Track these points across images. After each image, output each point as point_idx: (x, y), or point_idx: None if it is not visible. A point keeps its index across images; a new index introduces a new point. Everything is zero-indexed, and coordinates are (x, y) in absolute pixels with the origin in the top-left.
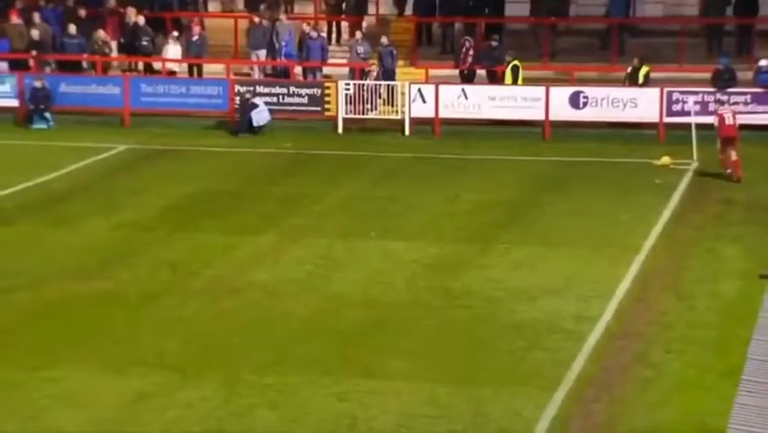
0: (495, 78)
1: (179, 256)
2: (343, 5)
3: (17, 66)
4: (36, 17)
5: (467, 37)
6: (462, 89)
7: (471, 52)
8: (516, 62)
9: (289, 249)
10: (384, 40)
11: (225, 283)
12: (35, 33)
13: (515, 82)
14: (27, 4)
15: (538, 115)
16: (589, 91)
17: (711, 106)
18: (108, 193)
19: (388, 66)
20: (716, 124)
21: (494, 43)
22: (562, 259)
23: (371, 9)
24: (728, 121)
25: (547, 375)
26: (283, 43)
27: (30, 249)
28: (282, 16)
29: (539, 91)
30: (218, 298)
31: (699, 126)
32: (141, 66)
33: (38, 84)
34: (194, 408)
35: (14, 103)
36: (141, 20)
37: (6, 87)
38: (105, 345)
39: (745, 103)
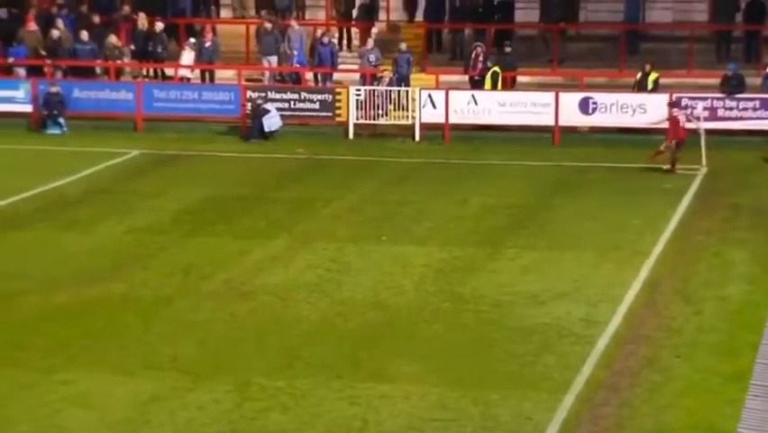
0: (505, 84)
1: (192, 260)
2: (354, 12)
3: (34, 72)
4: (60, 23)
5: (479, 43)
6: (472, 95)
7: (482, 59)
8: (495, 69)
9: (301, 253)
10: (403, 46)
11: (237, 287)
12: (55, 33)
13: (494, 88)
14: (41, 11)
15: (548, 120)
16: (599, 97)
17: (720, 112)
18: (121, 197)
19: (404, 72)
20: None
21: (507, 49)
22: (571, 263)
23: (382, 15)
24: (682, 123)
25: (556, 379)
26: (295, 51)
27: (43, 252)
28: (293, 22)
29: (549, 97)
30: (230, 301)
31: (708, 132)
32: (151, 72)
33: (53, 89)
34: (206, 410)
35: (28, 108)
36: (159, 26)
37: (21, 93)
38: (118, 348)
39: (754, 108)
